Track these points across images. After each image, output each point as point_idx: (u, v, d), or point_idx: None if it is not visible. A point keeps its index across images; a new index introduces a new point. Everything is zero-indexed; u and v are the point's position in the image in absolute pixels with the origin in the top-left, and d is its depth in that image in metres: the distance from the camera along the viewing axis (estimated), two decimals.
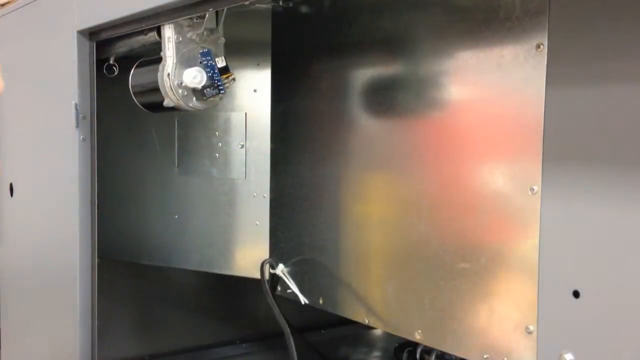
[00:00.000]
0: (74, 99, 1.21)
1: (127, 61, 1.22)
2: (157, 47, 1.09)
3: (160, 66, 1.06)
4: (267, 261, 1.18)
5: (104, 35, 1.19)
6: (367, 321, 1.01)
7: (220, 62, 1.08)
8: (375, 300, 1.00)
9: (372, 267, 0.99)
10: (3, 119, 1.48)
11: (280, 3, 1.16)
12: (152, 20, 1.05)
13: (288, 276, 1.15)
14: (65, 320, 1.25)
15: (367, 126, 1.00)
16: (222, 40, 1.09)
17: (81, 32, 1.21)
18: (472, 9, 0.82)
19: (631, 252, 0.65)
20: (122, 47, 1.21)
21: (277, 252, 1.20)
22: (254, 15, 1.21)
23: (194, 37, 1.06)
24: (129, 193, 1.42)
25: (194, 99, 1.06)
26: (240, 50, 1.19)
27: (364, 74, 1.01)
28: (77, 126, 1.21)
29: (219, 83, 1.07)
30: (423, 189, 0.89)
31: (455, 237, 0.85)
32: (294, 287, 1.13)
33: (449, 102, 0.86)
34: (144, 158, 1.43)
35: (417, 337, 0.91)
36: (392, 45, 0.95)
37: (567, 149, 0.71)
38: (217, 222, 1.31)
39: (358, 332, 1.68)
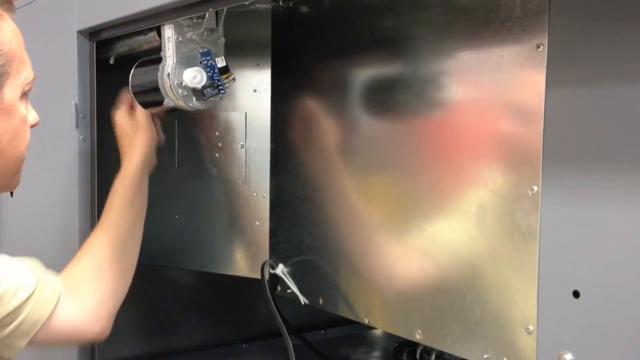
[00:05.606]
0: (74, 99, 1.21)
1: (127, 61, 1.22)
2: (157, 47, 1.09)
3: (160, 66, 1.06)
4: (267, 262, 1.18)
5: (104, 35, 1.19)
6: (367, 321, 1.01)
7: (220, 62, 1.08)
8: (375, 300, 1.00)
9: (372, 266, 0.99)
10: None
11: (280, 3, 1.16)
12: (152, 20, 1.05)
13: (288, 276, 1.15)
14: None
15: (368, 126, 1.00)
16: (222, 40, 1.09)
17: (81, 32, 1.21)
18: (472, 9, 0.82)
19: (631, 252, 0.65)
20: (122, 47, 1.21)
21: (277, 252, 1.20)
22: (254, 15, 1.21)
23: (194, 37, 1.06)
24: None
25: (194, 99, 1.06)
26: (240, 50, 1.19)
27: (364, 74, 1.01)
28: (77, 126, 1.21)
29: (219, 83, 1.07)
30: (423, 188, 0.89)
31: (455, 237, 0.85)
32: (293, 287, 1.13)
33: (449, 102, 0.86)
34: None
35: (417, 337, 0.91)
36: (393, 45, 0.95)
37: (567, 149, 0.71)
38: (217, 222, 1.31)
39: (358, 332, 1.67)
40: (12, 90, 0.87)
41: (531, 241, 0.74)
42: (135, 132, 1.17)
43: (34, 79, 0.93)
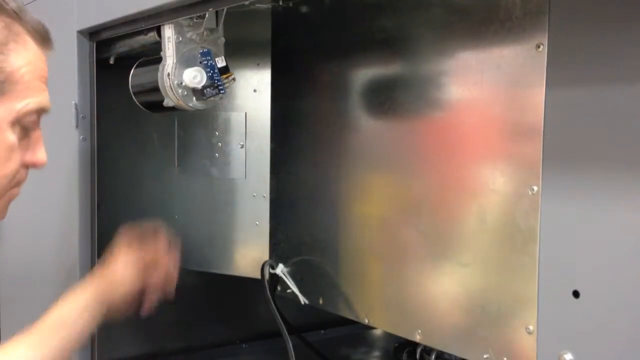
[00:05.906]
0: (74, 99, 1.21)
1: (127, 61, 1.22)
2: (157, 47, 1.09)
3: (160, 66, 1.06)
4: (267, 262, 1.18)
5: (104, 35, 1.19)
6: (367, 321, 1.01)
7: (220, 62, 1.08)
8: (375, 300, 1.00)
9: (372, 267, 0.99)
10: None
11: (280, 3, 1.16)
12: (152, 20, 1.05)
13: (288, 276, 1.15)
14: None
15: (368, 126, 1.00)
16: (222, 40, 1.09)
17: (81, 32, 1.21)
18: (472, 9, 0.82)
19: (631, 252, 0.65)
20: (122, 47, 1.21)
21: (277, 252, 1.20)
22: (254, 15, 1.21)
23: (194, 37, 1.06)
24: (128, 193, 1.42)
25: (194, 99, 1.06)
26: (240, 50, 1.19)
27: (364, 74, 1.01)
28: (77, 126, 1.21)
29: (219, 83, 1.07)
30: (423, 188, 0.89)
31: (455, 237, 0.85)
32: (293, 287, 1.13)
33: (449, 102, 0.86)
34: (144, 158, 1.43)
35: (417, 337, 0.91)
36: (393, 45, 0.95)
37: (567, 149, 0.71)
38: (217, 222, 1.31)
39: (358, 332, 1.67)
40: (2, 111, 0.81)
41: (531, 241, 0.74)
42: (119, 254, 1.07)
43: (40, 110, 0.85)
